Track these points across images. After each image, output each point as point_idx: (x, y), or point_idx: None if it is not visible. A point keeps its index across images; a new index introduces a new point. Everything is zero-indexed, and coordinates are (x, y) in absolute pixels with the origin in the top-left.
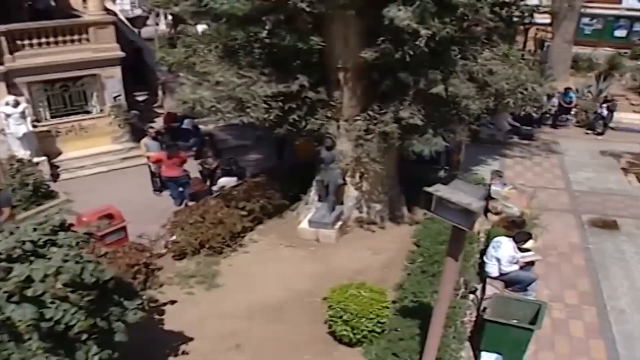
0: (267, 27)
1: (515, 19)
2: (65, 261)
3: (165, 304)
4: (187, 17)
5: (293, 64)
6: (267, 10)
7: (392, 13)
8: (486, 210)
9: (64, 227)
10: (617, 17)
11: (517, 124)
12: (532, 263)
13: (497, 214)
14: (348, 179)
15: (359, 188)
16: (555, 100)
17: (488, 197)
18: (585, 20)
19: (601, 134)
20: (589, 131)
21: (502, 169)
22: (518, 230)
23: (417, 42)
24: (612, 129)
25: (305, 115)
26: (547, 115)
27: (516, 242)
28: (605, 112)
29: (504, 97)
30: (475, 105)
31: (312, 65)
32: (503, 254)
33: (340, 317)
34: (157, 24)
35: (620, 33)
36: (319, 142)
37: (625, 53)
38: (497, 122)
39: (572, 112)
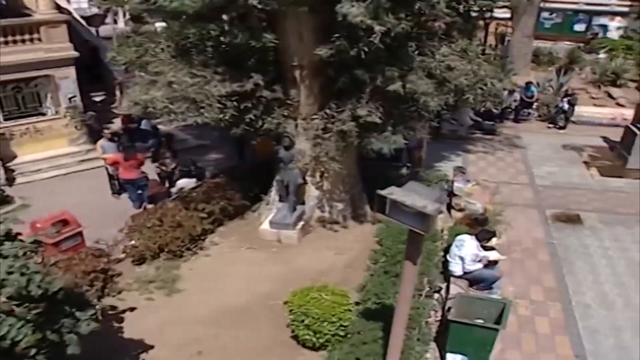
0: (219, 25)
1: (473, 14)
2: (10, 273)
3: (124, 311)
4: (141, 15)
5: (247, 63)
6: (218, 8)
7: (345, 9)
8: (449, 207)
9: (10, 236)
10: (576, 12)
11: (479, 119)
12: (496, 261)
13: (460, 210)
14: (308, 179)
15: (319, 187)
16: (516, 95)
17: (451, 194)
18: (545, 14)
19: (563, 127)
20: (551, 125)
21: (465, 164)
22: (481, 228)
23: (371, 39)
24: (574, 122)
25: (262, 115)
26: (509, 109)
27: (479, 240)
28: (566, 106)
29: (463, 93)
30: (434, 102)
31: (267, 63)
32: (466, 252)
33: (302, 321)
34: (115, 22)
35: (579, 27)
36: (277, 142)
37: (586, 46)
38: (459, 117)
39: (534, 107)
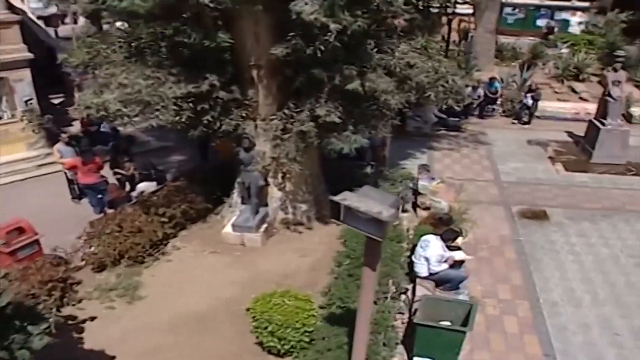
0: (173, 25)
1: (433, 10)
2: None
3: (84, 320)
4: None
5: (203, 63)
6: (170, 8)
7: (299, 7)
8: (415, 206)
9: None
10: (538, 7)
11: (444, 116)
12: (462, 261)
13: (425, 209)
14: (270, 180)
15: (282, 189)
16: (480, 91)
17: (416, 192)
18: (508, 10)
19: (527, 123)
20: (515, 121)
21: (430, 162)
22: (445, 227)
23: (326, 37)
24: (538, 117)
25: (219, 116)
26: (473, 105)
27: (444, 240)
28: (530, 102)
29: (425, 90)
30: (395, 100)
31: (224, 64)
32: (431, 253)
33: (266, 328)
34: (75, 22)
35: (541, 22)
36: (237, 143)
37: (544, 41)
38: (424, 114)
39: (498, 102)
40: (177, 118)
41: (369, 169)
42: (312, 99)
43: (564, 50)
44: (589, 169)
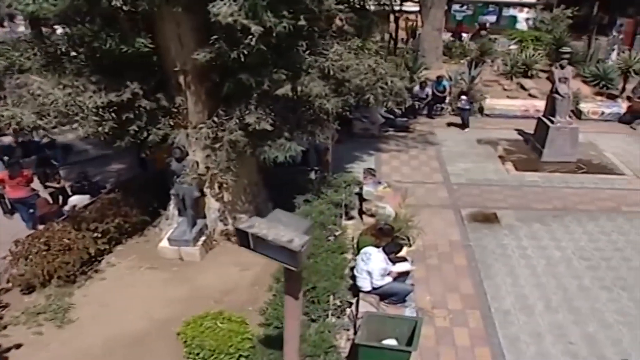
0: (89, 29)
1: (370, 9)
2: None
3: (9, 349)
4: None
5: (125, 70)
6: (81, 11)
7: (216, 8)
8: (361, 213)
9: None
10: (486, 3)
11: (391, 116)
12: (407, 272)
13: (371, 215)
14: (207, 190)
15: (219, 199)
16: (428, 90)
17: (361, 198)
18: (456, 7)
19: (466, 126)
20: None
21: (377, 164)
22: (387, 238)
23: (247, 40)
24: (488, 115)
25: (146, 125)
26: (422, 105)
27: (387, 253)
28: (467, 105)
29: (364, 92)
30: (331, 104)
31: (147, 70)
32: (373, 267)
33: (198, 354)
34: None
35: (490, 19)
36: (168, 153)
37: (495, 39)
38: (371, 115)
39: (447, 101)
40: (100, 129)
41: (313, 175)
42: (242, 106)
43: (513, 47)
44: (539, 168)
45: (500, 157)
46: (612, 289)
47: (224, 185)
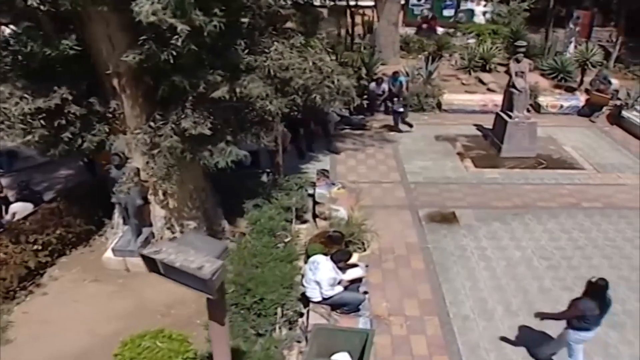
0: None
1: (314, 4)
2: None
3: None
4: None
5: (53, 74)
6: None
7: (138, 7)
8: (315, 216)
9: None
10: None
11: (347, 114)
12: (360, 279)
13: (325, 219)
14: (151, 198)
15: (165, 206)
16: (385, 86)
17: (315, 201)
18: (414, 1)
19: (399, 131)
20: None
21: (333, 164)
22: (336, 245)
23: (173, 41)
24: (446, 111)
25: (80, 132)
26: (378, 102)
27: (335, 262)
28: (399, 108)
29: (310, 92)
30: (274, 106)
31: (78, 73)
32: (322, 277)
33: None
34: None
35: (448, 12)
36: (107, 161)
37: (454, 32)
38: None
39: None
40: (30, 137)
41: (265, 177)
42: (179, 110)
43: (471, 41)
44: (498, 164)
45: (458, 153)
46: (573, 289)
47: (169, 192)
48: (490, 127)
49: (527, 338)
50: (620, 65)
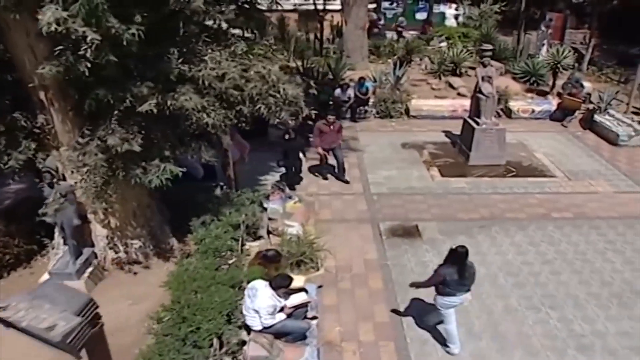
0: None
1: (260, 8)
2: None
3: None
4: None
5: None
6: None
7: (41, 15)
8: (269, 233)
9: None
10: (417, 0)
11: (311, 122)
12: (305, 304)
13: (279, 235)
14: (90, 216)
15: (106, 225)
16: (350, 92)
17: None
18: (386, 4)
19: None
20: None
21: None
22: (274, 265)
23: (81, 52)
24: (414, 117)
25: (6, 149)
26: (344, 108)
27: (274, 288)
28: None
29: (254, 102)
30: (213, 119)
31: (2, 86)
32: (260, 305)
33: None
34: None
35: (421, 16)
36: (40, 178)
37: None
38: (287, 122)
39: (371, 103)
40: None
41: (218, 191)
42: (107, 125)
43: (443, 45)
44: (466, 173)
45: (425, 162)
46: (540, 309)
47: (109, 210)
48: (459, 133)
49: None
50: (594, 68)
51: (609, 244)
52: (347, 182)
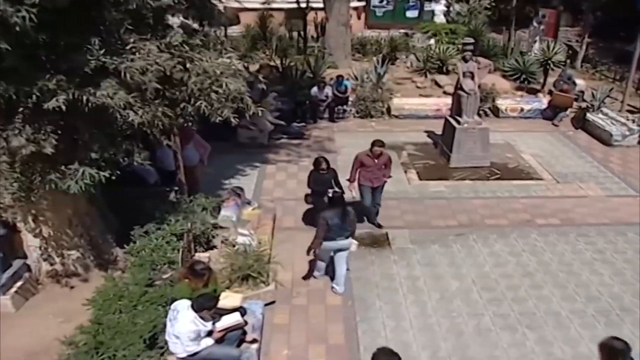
0: None
1: None
2: None
3: None
4: None
5: None
6: None
7: None
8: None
9: None
10: None
11: (282, 122)
12: (239, 327)
13: (233, 245)
14: (20, 225)
15: (38, 234)
16: (328, 91)
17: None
18: (375, 2)
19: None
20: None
21: (260, 178)
22: (201, 280)
23: None
24: (396, 116)
25: None
26: (321, 108)
27: (197, 310)
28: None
29: (196, 98)
30: (140, 116)
31: None
32: (180, 330)
33: None
34: None
35: (412, 14)
36: None
37: (413, 34)
38: (258, 122)
39: (350, 102)
40: None
41: (173, 196)
42: (14, 124)
43: (432, 42)
44: (447, 176)
45: (403, 164)
46: (517, 329)
47: (41, 218)
48: (441, 133)
49: None
50: (588, 66)
51: (598, 253)
52: (380, 226)
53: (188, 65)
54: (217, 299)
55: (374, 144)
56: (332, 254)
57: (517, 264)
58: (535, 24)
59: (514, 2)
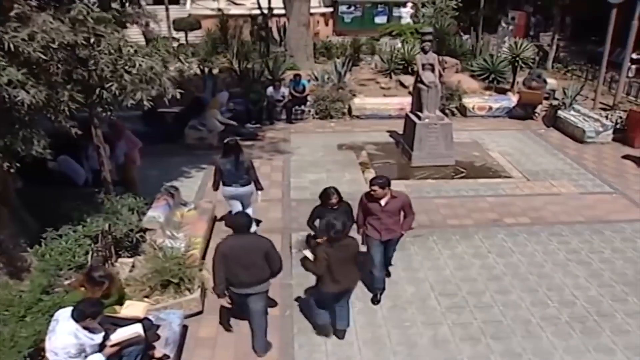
0: None
1: None
2: None
3: None
4: None
5: None
6: None
7: None
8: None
9: None
10: (376, 4)
11: (234, 123)
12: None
13: (162, 249)
14: None
15: None
16: (284, 90)
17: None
18: (343, 8)
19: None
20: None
21: (207, 180)
22: (99, 288)
23: None
24: (357, 117)
25: None
26: (278, 108)
27: (76, 320)
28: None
29: (106, 80)
30: (31, 96)
31: None
32: (56, 345)
33: None
34: None
35: (380, 20)
36: None
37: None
38: (207, 122)
39: (309, 102)
40: None
41: (101, 196)
42: None
43: (398, 43)
44: (408, 175)
45: (362, 163)
46: (480, 340)
47: None
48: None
49: None
50: (559, 66)
51: (572, 253)
52: (378, 301)
53: (93, 40)
54: (102, 304)
55: (371, 182)
56: (239, 206)
57: (482, 267)
58: (503, 24)
59: (482, 4)
